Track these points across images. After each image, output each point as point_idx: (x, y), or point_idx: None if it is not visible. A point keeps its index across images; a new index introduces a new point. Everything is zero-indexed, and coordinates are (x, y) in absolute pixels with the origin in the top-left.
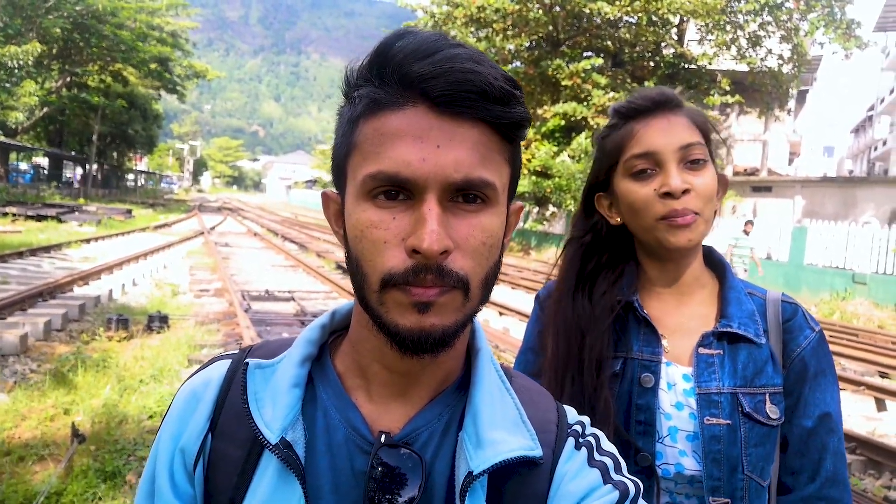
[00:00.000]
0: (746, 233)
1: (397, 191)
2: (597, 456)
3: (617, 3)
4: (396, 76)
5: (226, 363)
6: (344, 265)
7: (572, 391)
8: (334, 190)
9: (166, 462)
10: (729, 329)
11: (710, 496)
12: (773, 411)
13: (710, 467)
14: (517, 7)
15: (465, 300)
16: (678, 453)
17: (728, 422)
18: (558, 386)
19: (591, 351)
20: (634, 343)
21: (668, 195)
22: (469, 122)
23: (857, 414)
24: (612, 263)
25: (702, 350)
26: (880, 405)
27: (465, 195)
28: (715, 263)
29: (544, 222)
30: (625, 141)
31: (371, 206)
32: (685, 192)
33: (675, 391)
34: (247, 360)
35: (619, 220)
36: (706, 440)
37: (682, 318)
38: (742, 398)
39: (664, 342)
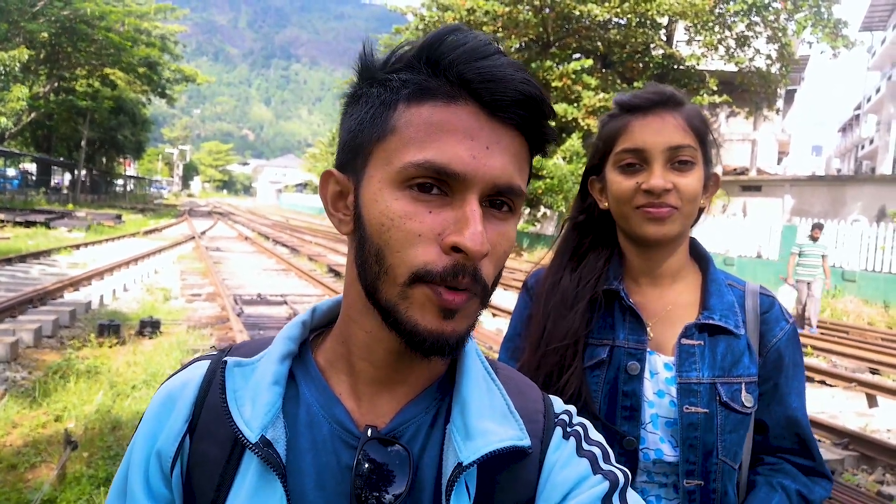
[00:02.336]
0: (814, 238)
1: (432, 184)
2: (585, 446)
3: (606, 4)
4: (453, 71)
5: (205, 364)
6: (336, 269)
7: (548, 366)
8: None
9: (141, 465)
10: (710, 321)
11: (684, 479)
12: (747, 399)
13: (686, 452)
14: (507, 9)
15: (480, 305)
16: (659, 439)
17: (706, 410)
18: (536, 358)
19: (569, 327)
20: (620, 331)
21: (649, 191)
22: (512, 130)
23: (849, 410)
24: (599, 244)
25: (684, 341)
26: (871, 401)
27: (492, 201)
28: (699, 255)
29: (536, 223)
30: (619, 133)
31: (405, 196)
32: (667, 190)
33: (658, 379)
34: (225, 358)
35: (606, 204)
36: (684, 427)
37: (664, 306)
38: (720, 388)
39: (648, 331)
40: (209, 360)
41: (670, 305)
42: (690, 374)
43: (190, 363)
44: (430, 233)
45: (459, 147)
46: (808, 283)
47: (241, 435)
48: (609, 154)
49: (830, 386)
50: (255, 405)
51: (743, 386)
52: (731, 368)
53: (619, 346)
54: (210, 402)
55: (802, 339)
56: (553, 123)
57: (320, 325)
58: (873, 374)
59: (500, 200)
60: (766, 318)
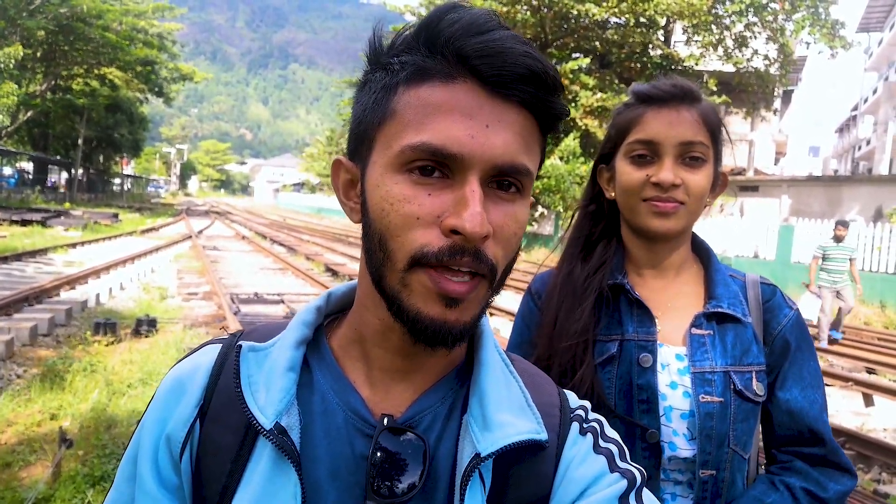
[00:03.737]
0: (838, 239)
1: (434, 167)
2: (602, 443)
3: (604, 4)
4: (450, 48)
5: (216, 347)
6: (333, 268)
7: (561, 364)
8: (347, 158)
9: (150, 449)
10: (719, 309)
11: (700, 469)
12: (758, 388)
13: (703, 443)
14: (505, 9)
15: (489, 290)
16: (672, 433)
17: (721, 399)
18: (548, 354)
19: (578, 324)
20: (629, 325)
21: (657, 185)
22: (516, 107)
23: (846, 410)
24: (607, 235)
25: (694, 331)
26: (868, 400)
27: (499, 181)
28: (700, 248)
29: (533, 223)
30: (633, 123)
31: (405, 180)
32: (675, 186)
33: (669, 371)
34: (240, 342)
35: (612, 194)
36: (701, 417)
37: (669, 298)
38: (734, 376)
39: (657, 322)
40: (220, 345)
41: (675, 297)
42: (704, 363)
43: (200, 347)
44: (429, 216)
45: (457, 127)
46: (837, 292)
47: (256, 421)
48: (621, 143)
49: (827, 385)
50: (269, 391)
51: (754, 374)
52: (742, 357)
53: (628, 340)
54: (222, 386)
55: (816, 342)
56: (562, 101)
57: (335, 311)
58: (870, 373)
59: (507, 181)
60: (768, 307)
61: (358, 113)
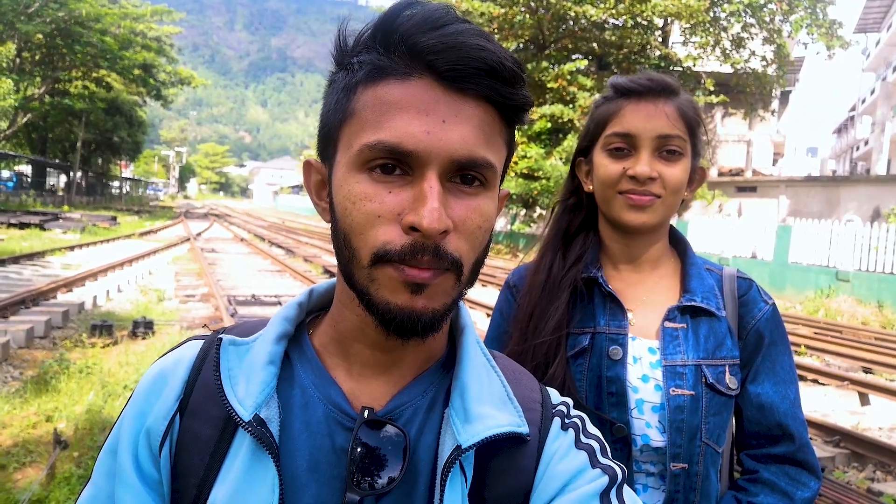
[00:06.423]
0: None
1: (394, 164)
2: (583, 438)
3: (601, 5)
4: (404, 46)
5: (198, 343)
6: (331, 269)
7: (536, 358)
8: (318, 159)
9: (130, 442)
10: (693, 303)
11: (671, 462)
12: (731, 382)
13: (673, 435)
14: (503, 11)
15: (457, 283)
16: (645, 425)
17: (692, 392)
18: (523, 347)
19: (553, 321)
20: (601, 318)
21: (633, 178)
22: (474, 100)
23: (842, 408)
24: (585, 228)
25: (667, 324)
26: (864, 400)
27: (462, 175)
28: (676, 241)
29: (532, 224)
30: (611, 116)
31: (365, 178)
32: (651, 179)
33: (641, 364)
34: (221, 335)
35: (590, 187)
36: (671, 410)
37: (644, 292)
38: (705, 370)
39: (629, 315)
40: (202, 340)
41: (651, 290)
42: (675, 356)
43: (183, 342)
44: (389, 213)
45: (413, 124)
46: None
47: (235, 413)
48: (599, 136)
49: (823, 385)
50: (249, 384)
51: (727, 368)
52: (715, 350)
53: (600, 333)
54: (203, 380)
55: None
56: (525, 91)
57: (317, 308)
58: (866, 373)
59: (469, 175)
60: (743, 301)
61: (323, 114)
